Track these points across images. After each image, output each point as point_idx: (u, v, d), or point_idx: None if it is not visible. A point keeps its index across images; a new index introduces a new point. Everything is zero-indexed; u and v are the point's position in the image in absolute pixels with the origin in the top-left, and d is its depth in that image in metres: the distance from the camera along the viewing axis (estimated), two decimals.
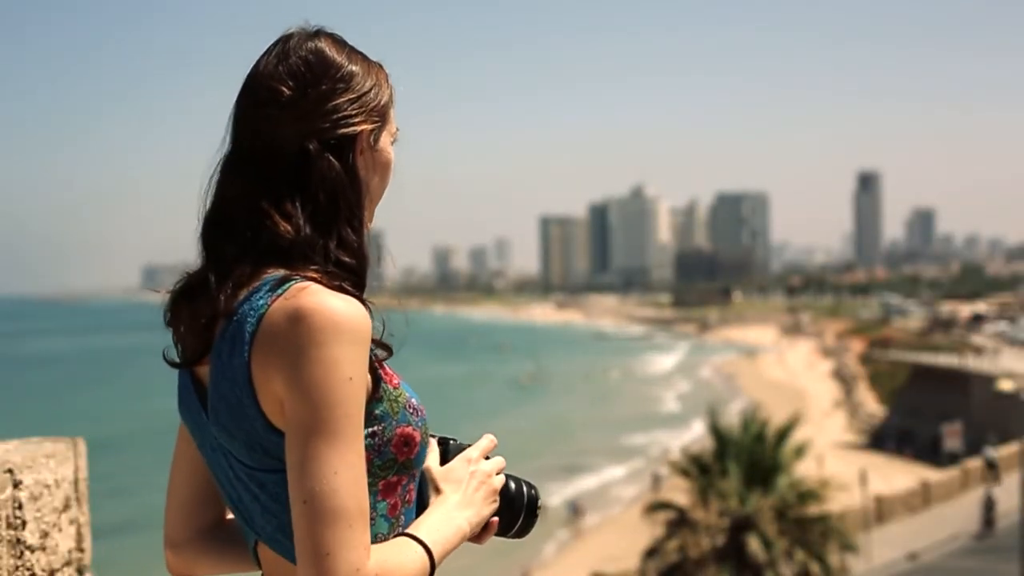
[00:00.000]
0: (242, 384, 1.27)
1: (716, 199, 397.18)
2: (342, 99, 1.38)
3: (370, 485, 1.31)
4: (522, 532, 1.54)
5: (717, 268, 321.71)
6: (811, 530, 21.07)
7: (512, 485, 1.53)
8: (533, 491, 1.54)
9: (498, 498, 1.49)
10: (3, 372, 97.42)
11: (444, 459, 1.49)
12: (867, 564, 26.04)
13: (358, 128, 1.39)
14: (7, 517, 2.13)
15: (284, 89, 1.36)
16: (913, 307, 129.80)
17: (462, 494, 1.45)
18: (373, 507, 1.33)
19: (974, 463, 36.39)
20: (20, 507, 2.17)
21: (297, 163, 1.35)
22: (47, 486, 2.26)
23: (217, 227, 1.37)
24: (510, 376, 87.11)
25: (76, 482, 2.40)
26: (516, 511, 1.52)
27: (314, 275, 1.30)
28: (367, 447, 1.30)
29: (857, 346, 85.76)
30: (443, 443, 1.51)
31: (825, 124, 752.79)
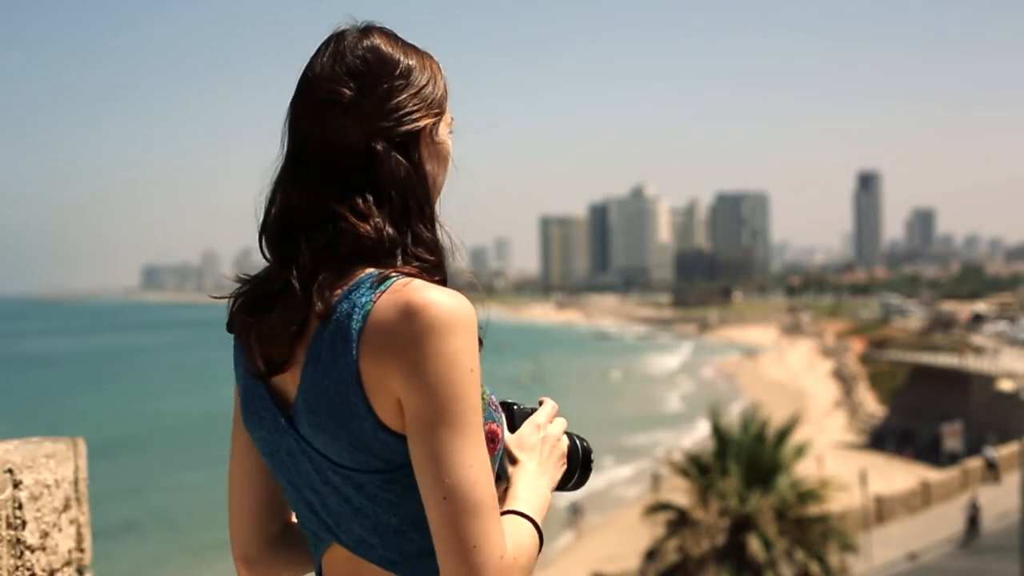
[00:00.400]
0: (350, 383, 1.27)
1: (716, 199, 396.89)
2: (403, 96, 1.37)
3: None
4: (578, 485, 1.57)
5: (717, 268, 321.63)
6: (811, 530, 21.04)
7: (567, 441, 1.56)
8: (586, 444, 1.57)
9: (567, 460, 1.53)
10: (3, 372, 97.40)
11: (511, 424, 1.50)
12: (867, 564, 26.02)
13: (420, 124, 1.38)
14: (7, 517, 2.13)
15: (345, 90, 1.35)
16: (913, 307, 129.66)
17: (538, 461, 1.46)
18: None
19: (974, 463, 36.37)
20: (20, 507, 2.16)
21: (364, 163, 1.34)
22: (47, 486, 2.25)
23: (289, 232, 1.35)
24: (510, 376, 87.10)
25: (76, 482, 2.40)
26: (572, 467, 1.55)
27: (412, 271, 1.31)
28: None
29: (857, 346, 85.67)
30: (507, 408, 1.52)
31: (825, 124, 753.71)
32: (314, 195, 1.34)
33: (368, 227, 1.32)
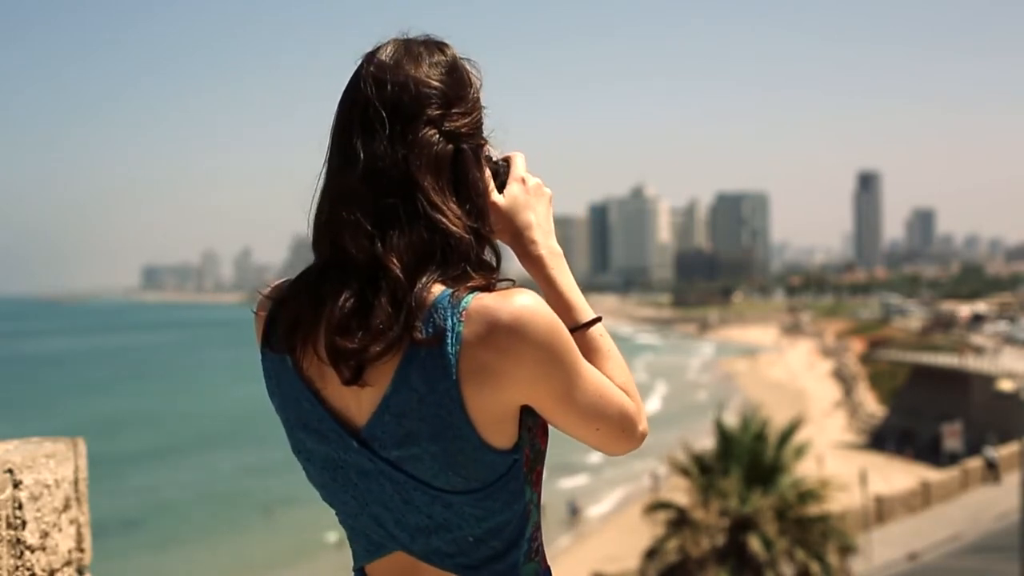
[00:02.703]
0: (452, 408, 1.28)
1: (716, 199, 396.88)
2: (479, 112, 1.44)
3: (527, 477, 1.38)
4: None
5: (717, 268, 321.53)
6: (811, 530, 21.06)
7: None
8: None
9: (551, 199, 1.57)
10: (3, 372, 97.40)
11: (500, 182, 1.51)
12: (867, 564, 26.04)
13: (484, 142, 1.45)
14: (7, 517, 2.13)
15: (446, 91, 1.38)
16: (913, 307, 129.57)
17: (538, 220, 1.51)
18: (531, 499, 1.39)
19: (974, 463, 36.40)
20: (20, 507, 2.16)
21: (454, 164, 1.37)
22: (47, 486, 2.25)
23: (382, 222, 1.32)
24: None
25: (76, 482, 2.40)
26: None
27: (479, 283, 1.32)
28: (527, 443, 1.37)
29: (857, 346, 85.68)
30: (491, 165, 1.51)
31: (825, 124, 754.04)
32: (418, 185, 1.33)
33: (461, 227, 1.34)
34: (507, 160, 1.53)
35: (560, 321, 1.32)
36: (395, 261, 1.29)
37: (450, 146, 1.37)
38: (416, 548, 1.36)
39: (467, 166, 1.38)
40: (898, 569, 26.68)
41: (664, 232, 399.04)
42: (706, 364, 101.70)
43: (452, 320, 1.27)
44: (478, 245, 1.37)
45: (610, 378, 1.41)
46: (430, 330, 1.27)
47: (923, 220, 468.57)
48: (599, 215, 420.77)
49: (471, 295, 1.29)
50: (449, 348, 1.26)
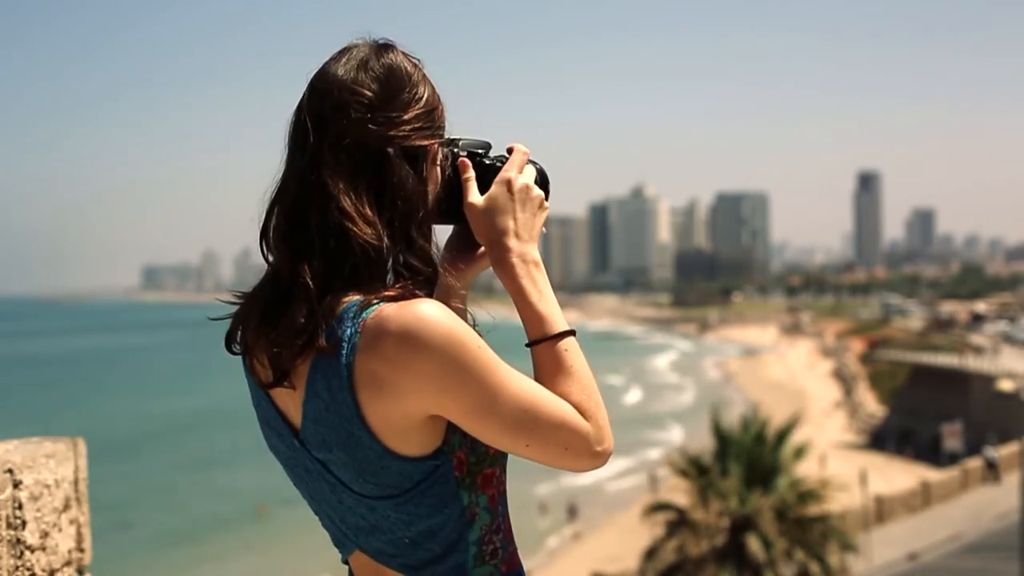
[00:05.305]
0: (350, 417, 1.29)
1: (716, 199, 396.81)
2: (420, 111, 1.40)
3: (468, 481, 1.36)
4: None
5: (717, 268, 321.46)
6: (811, 530, 21.04)
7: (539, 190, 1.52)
8: (540, 166, 1.54)
9: (545, 201, 1.50)
10: (3, 372, 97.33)
11: (482, 181, 1.48)
12: (867, 564, 26.02)
13: (429, 142, 1.41)
14: (7, 517, 2.13)
15: (369, 93, 1.37)
16: (913, 307, 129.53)
17: (517, 227, 1.46)
18: (475, 502, 1.37)
19: (974, 463, 36.38)
20: (20, 507, 2.16)
21: (377, 168, 1.36)
22: (47, 486, 2.25)
23: (302, 227, 1.35)
24: None
25: (76, 482, 2.40)
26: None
27: (393, 292, 1.32)
28: (462, 446, 1.35)
29: (857, 346, 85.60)
30: (476, 162, 1.48)
31: (825, 124, 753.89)
32: (328, 193, 1.33)
33: (371, 234, 1.33)
34: (509, 152, 1.50)
35: (466, 331, 1.29)
36: (306, 269, 1.31)
37: (374, 149, 1.36)
38: (364, 546, 1.39)
39: (393, 168, 1.36)
40: (898, 569, 26.65)
41: (664, 232, 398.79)
42: (718, 363, 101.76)
43: (351, 330, 1.28)
44: (407, 250, 1.36)
45: (564, 395, 1.36)
46: (331, 339, 1.29)
47: (923, 220, 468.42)
48: (599, 215, 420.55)
49: (377, 305, 1.29)
50: (343, 359, 1.28)
